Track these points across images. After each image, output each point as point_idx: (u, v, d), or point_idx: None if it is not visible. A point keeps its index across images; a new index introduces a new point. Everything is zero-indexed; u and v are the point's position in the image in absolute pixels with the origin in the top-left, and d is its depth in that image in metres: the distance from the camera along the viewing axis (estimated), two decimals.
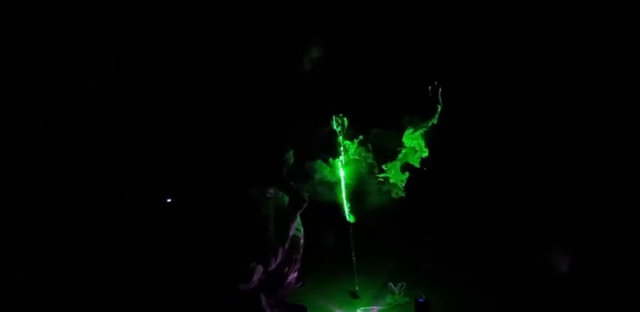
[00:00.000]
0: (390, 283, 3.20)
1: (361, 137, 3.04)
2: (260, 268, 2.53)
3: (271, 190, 2.70)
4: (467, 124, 3.38)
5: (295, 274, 2.96)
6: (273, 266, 2.57)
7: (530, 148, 4.02)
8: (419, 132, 3.04)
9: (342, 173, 3.05)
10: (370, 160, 3.08)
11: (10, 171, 3.13)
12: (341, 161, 3.05)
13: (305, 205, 2.71)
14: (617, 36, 3.68)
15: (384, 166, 3.09)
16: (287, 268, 2.84)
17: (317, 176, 2.96)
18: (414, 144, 3.05)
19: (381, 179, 3.07)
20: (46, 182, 3.24)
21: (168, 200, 3.53)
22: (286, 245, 2.61)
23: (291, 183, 2.70)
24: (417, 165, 3.06)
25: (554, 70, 3.84)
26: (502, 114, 3.93)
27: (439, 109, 3.00)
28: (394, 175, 3.08)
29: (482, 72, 3.77)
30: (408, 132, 3.04)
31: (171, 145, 3.27)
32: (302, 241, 2.88)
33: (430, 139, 3.04)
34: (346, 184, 3.07)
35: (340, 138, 3.03)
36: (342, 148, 3.04)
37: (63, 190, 3.27)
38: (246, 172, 2.68)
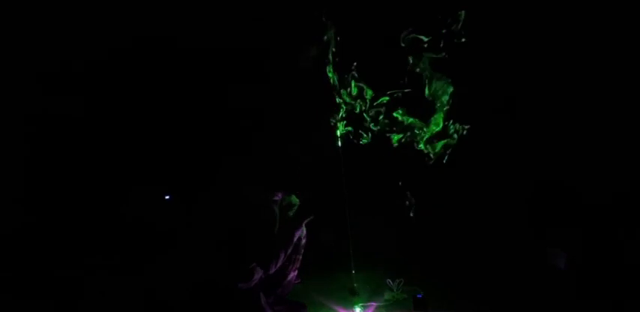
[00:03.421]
0: (389, 280, 3.23)
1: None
2: (260, 269, 2.55)
3: (279, 194, 2.70)
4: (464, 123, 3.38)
5: (295, 273, 2.98)
6: (273, 270, 2.59)
7: (529, 146, 4.03)
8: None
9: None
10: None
11: (10, 172, 3.12)
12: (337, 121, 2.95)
13: (312, 217, 2.72)
14: (616, 36, 3.68)
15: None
16: (287, 267, 2.87)
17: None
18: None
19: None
20: (46, 183, 3.23)
21: (167, 197, 3.52)
22: (289, 250, 2.62)
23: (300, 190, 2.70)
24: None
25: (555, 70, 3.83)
26: (499, 113, 3.94)
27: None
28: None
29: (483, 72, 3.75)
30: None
31: (176, 146, 3.26)
32: (304, 241, 2.90)
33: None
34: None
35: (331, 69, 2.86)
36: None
37: (63, 190, 3.26)
38: (254, 175, 2.68)
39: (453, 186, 3.69)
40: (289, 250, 2.61)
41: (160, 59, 3.23)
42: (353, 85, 2.89)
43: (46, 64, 3.10)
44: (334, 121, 2.94)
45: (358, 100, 2.94)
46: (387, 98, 2.99)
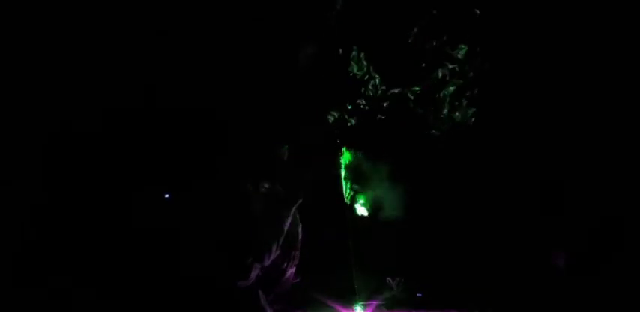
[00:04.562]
0: (389, 278, 3.23)
1: None
2: (257, 264, 2.55)
3: (265, 185, 2.70)
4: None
5: (293, 270, 2.98)
6: (267, 262, 2.58)
7: (529, 145, 4.02)
8: None
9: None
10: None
11: (10, 173, 3.13)
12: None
13: (300, 201, 2.71)
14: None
15: None
16: (285, 264, 2.86)
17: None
18: None
19: None
20: (47, 184, 3.24)
21: (166, 196, 3.53)
22: (281, 240, 2.61)
23: (288, 179, 2.70)
24: None
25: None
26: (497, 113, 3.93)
27: None
28: None
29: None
30: None
31: (166, 143, 3.27)
32: (300, 236, 2.90)
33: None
34: None
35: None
36: None
37: (64, 191, 3.27)
38: (239, 166, 2.68)
39: (454, 184, 3.68)
40: (281, 240, 2.61)
41: (158, 59, 3.25)
42: (354, 59, 2.84)
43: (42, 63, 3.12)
44: (335, 116, 2.94)
45: (370, 85, 2.90)
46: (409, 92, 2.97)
